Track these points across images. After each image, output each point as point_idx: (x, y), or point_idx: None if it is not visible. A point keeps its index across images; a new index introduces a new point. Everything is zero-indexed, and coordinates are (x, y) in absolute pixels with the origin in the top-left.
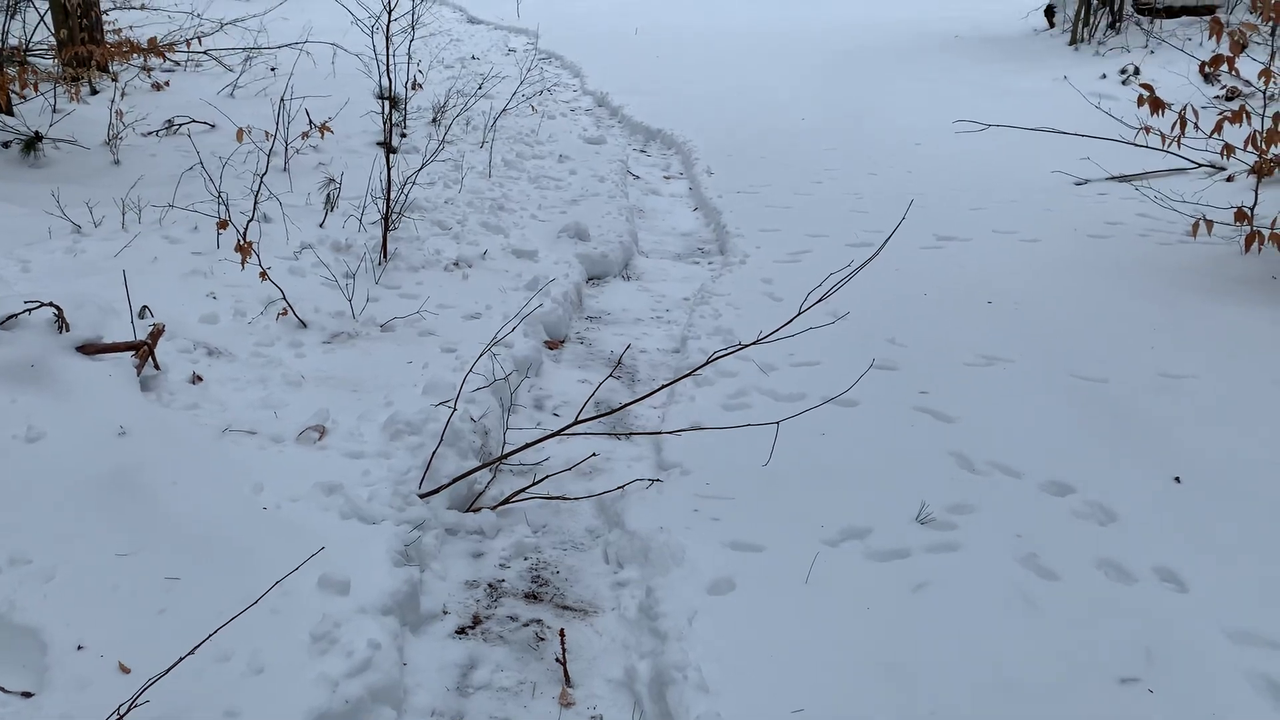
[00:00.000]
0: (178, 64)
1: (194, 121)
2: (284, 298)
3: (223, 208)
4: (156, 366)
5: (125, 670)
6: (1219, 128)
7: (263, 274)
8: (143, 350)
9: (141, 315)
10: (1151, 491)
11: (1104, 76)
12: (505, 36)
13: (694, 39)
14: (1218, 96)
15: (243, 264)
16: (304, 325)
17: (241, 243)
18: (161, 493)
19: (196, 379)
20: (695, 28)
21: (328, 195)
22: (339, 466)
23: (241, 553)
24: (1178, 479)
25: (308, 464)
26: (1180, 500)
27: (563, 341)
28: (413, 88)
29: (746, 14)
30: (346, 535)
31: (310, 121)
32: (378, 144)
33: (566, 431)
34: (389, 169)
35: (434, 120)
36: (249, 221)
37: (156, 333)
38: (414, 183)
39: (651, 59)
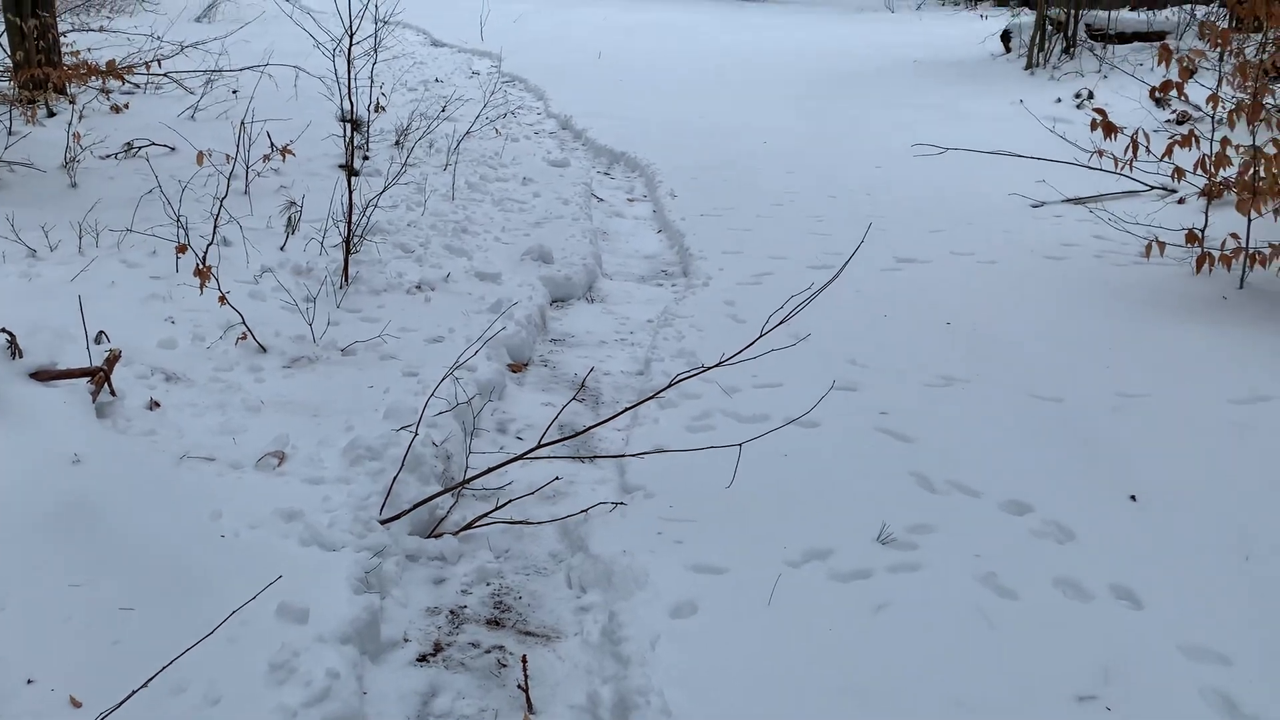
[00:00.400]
0: (138, 86)
1: (153, 144)
2: (243, 322)
3: (182, 231)
4: (113, 393)
5: (76, 704)
6: (1169, 151)
7: (222, 298)
8: (99, 376)
9: (98, 341)
10: (1108, 510)
11: (1059, 100)
12: (469, 60)
13: (657, 64)
14: (1169, 120)
15: (201, 288)
16: (264, 350)
17: (200, 267)
18: (117, 521)
19: (154, 405)
20: (658, 53)
21: (289, 218)
22: (299, 492)
23: (198, 581)
24: (1133, 497)
25: (267, 490)
26: (1136, 518)
27: (526, 364)
28: (376, 110)
29: (709, 40)
30: (306, 562)
31: (272, 144)
32: (340, 166)
33: (530, 455)
34: (350, 192)
35: (397, 143)
36: (208, 245)
37: (113, 359)
38: (376, 205)
39: (615, 83)
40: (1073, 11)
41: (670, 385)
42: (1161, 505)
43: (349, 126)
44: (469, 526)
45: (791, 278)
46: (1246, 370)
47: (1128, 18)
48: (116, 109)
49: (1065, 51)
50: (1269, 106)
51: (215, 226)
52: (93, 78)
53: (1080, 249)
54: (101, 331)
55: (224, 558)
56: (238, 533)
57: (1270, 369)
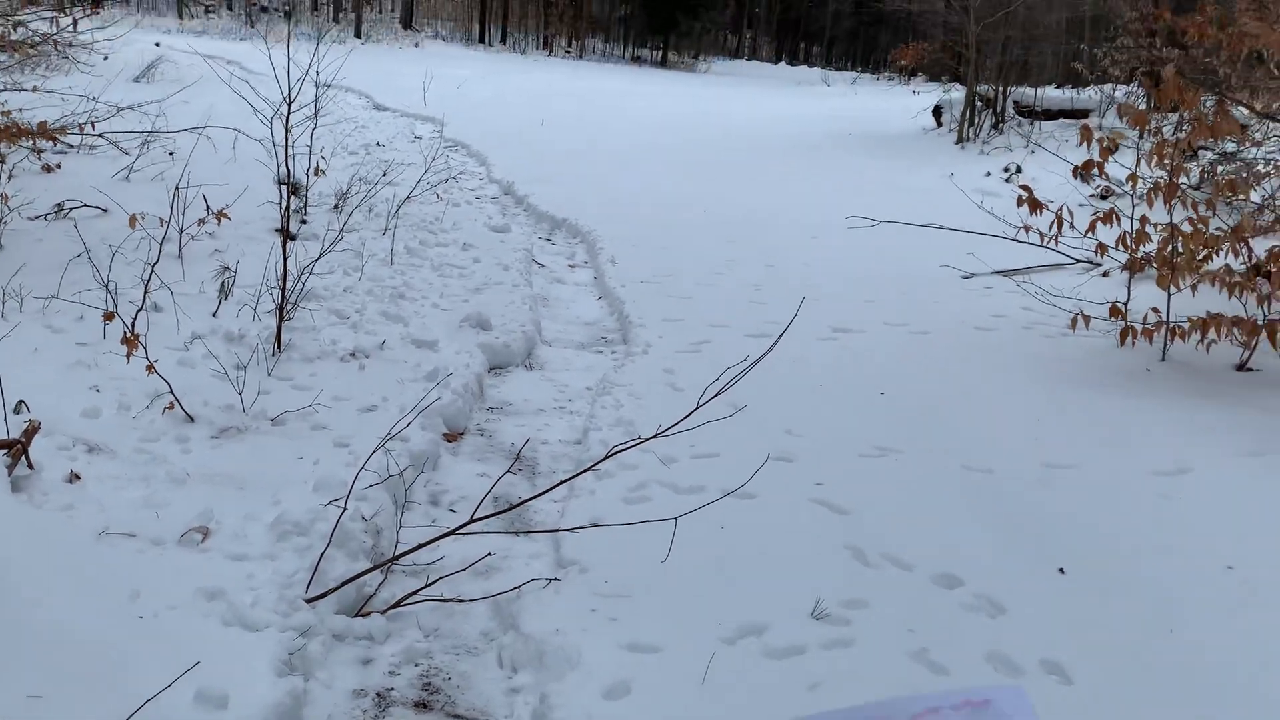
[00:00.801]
0: (71, 146)
1: (85, 205)
2: (171, 391)
3: (109, 298)
4: (30, 465)
5: None
6: (1092, 227)
7: (149, 367)
8: (15, 448)
9: (17, 410)
10: (1037, 583)
11: (988, 174)
12: (411, 124)
13: (600, 130)
14: (1093, 194)
15: (128, 356)
16: (191, 419)
17: (128, 334)
18: (28, 601)
19: (74, 478)
20: (601, 119)
21: (222, 284)
22: (222, 570)
23: (114, 666)
24: (1062, 570)
25: (189, 568)
26: (1065, 591)
27: (462, 433)
28: (315, 174)
29: (652, 109)
30: (227, 644)
31: (208, 207)
32: (277, 230)
33: (462, 530)
34: (285, 258)
35: (336, 207)
36: (137, 312)
37: (31, 430)
38: (312, 272)
39: (558, 149)
40: (1001, 89)
41: (607, 457)
42: (1088, 577)
43: (285, 189)
44: (398, 604)
45: (730, 346)
46: (1169, 442)
47: (1053, 95)
48: (48, 169)
49: (994, 127)
50: (1184, 186)
51: (145, 292)
52: (23, 139)
53: (1009, 320)
54: (21, 401)
55: (141, 640)
56: (157, 613)
57: (1191, 441)
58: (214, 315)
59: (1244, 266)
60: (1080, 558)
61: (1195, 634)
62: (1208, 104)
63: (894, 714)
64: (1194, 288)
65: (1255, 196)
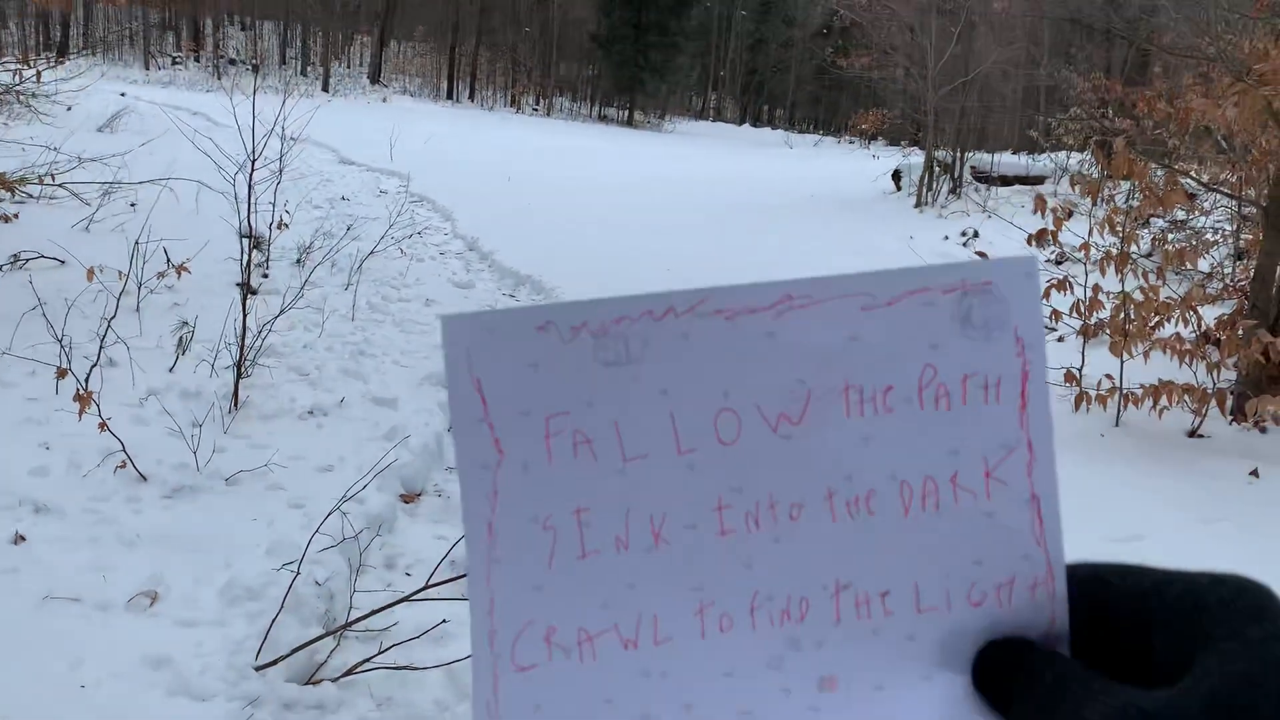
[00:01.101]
0: (32, 196)
1: (42, 257)
2: (124, 449)
3: (63, 353)
4: None
5: None
6: (1047, 294)
7: (102, 424)
8: None
9: None
10: None
11: (946, 238)
12: (377, 179)
13: (566, 187)
14: (1048, 260)
15: (80, 413)
16: (144, 479)
17: (81, 391)
18: None
19: (19, 539)
20: (568, 176)
21: (180, 339)
22: (170, 637)
23: None
24: None
25: (136, 634)
26: None
27: (420, 494)
28: (279, 227)
29: (618, 166)
30: (172, 714)
31: (168, 260)
32: (238, 285)
33: (418, 596)
34: (244, 313)
35: (298, 261)
36: (91, 367)
37: None
38: (271, 327)
39: (524, 205)
40: (958, 154)
41: None
42: None
43: (247, 243)
44: (350, 672)
45: None
46: (1123, 508)
47: (1009, 161)
48: (5, 219)
49: (952, 191)
50: (1135, 255)
51: (101, 347)
52: None
53: None
54: None
55: (82, 711)
56: (100, 682)
57: (1144, 507)
58: (170, 371)
59: (1194, 334)
60: None
61: None
62: (1158, 174)
63: (876, 290)
64: (1146, 354)
65: (1204, 265)
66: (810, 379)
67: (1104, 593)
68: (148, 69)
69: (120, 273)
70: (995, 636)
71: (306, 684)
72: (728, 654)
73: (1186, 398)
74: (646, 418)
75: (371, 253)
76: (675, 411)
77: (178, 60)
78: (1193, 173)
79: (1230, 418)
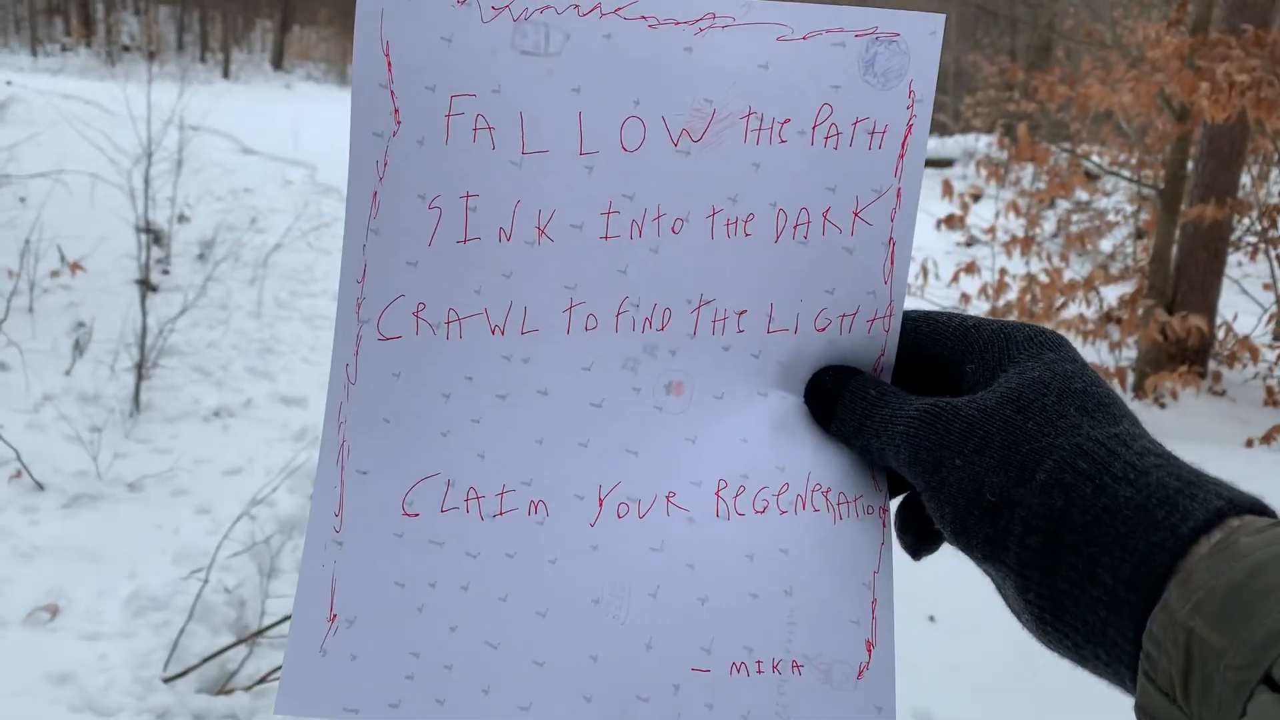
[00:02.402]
0: None
1: None
2: (18, 457)
3: None
4: None
5: None
6: (956, 278)
7: None
8: None
9: None
10: (911, 631)
11: None
12: (282, 169)
13: None
14: (959, 243)
15: None
16: (40, 487)
17: None
18: None
19: None
20: None
21: (76, 340)
22: (72, 651)
23: None
24: (932, 618)
25: (36, 650)
26: (933, 637)
27: None
28: (179, 221)
29: None
30: None
31: (62, 258)
32: (138, 282)
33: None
34: (144, 312)
35: (201, 256)
36: None
37: None
38: (174, 328)
39: None
40: None
41: None
42: (954, 623)
43: (147, 239)
44: (264, 680)
45: None
46: None
47: None
48: None
49: None
50: (1039, 238)
51: None
52: None
53: None
54: None
55: None
56: None
57: None
58: (67, 374)
59: (1097, 314)
60: (948, 609)
61: (1056, 678)
62: (1062, 157)
63: (794, 23)
64: None
65: (1106, 245)
66: (717, 99)
67: (930, 329)
68: (35, 55)
69: (10, 272)
70: (830, 363)
71: (218, 694)
72: (588, 350)
73: None
74: (553, 113)
75: (277, 246)
76: (584, 111)
77: (67, 47)
78: (1094, 155)
79: (1131, 394)
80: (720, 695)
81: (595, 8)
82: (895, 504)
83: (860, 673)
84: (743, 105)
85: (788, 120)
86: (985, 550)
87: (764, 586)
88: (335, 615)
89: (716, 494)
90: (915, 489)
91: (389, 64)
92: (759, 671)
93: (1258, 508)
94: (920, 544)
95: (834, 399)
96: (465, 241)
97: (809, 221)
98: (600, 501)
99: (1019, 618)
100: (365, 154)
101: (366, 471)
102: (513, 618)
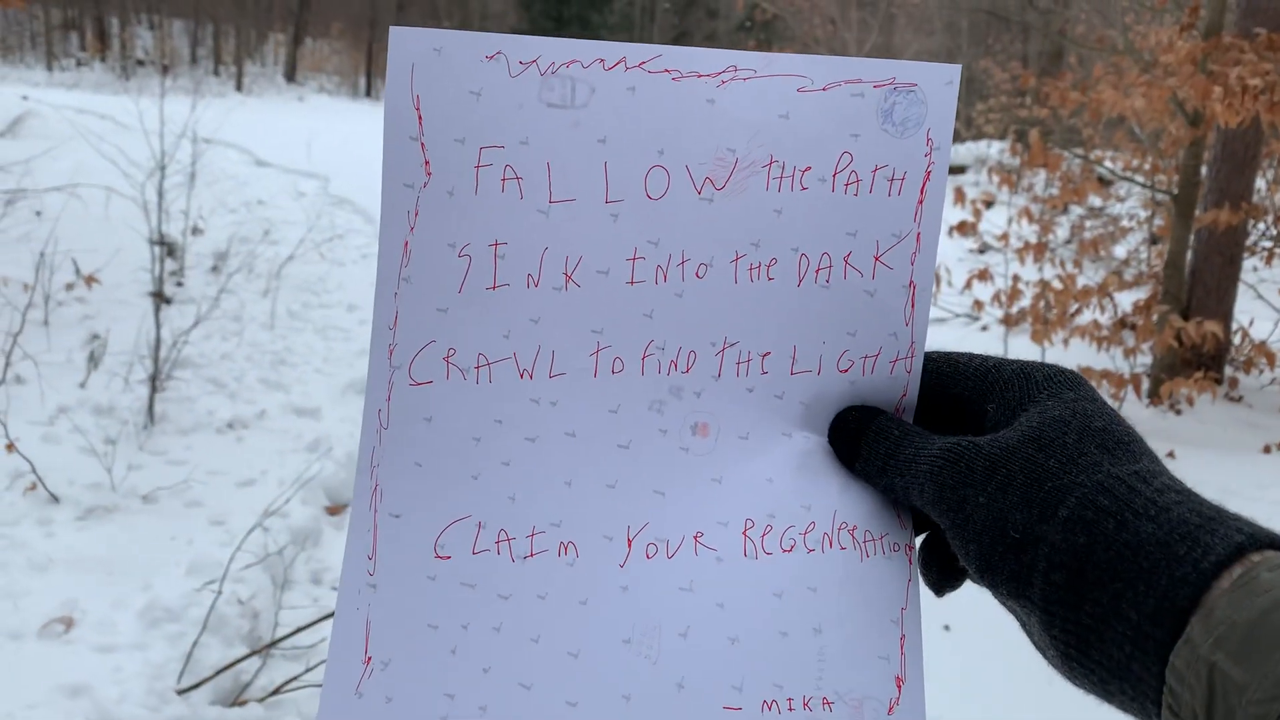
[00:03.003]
0: None
1: None
2: (33, 470)
3: None
4: None
5: None
6: (969, 284)
7: (9, 445)
8: None
9: None
10: (926, 641)
11: None
12: (295, 180)
13: None
14: (971, 250)
15: None
16: (56, 500)
17: None
18: None
19: None
20: None
21: (91, 352)
22: (87, 663)
23: None
24: (947, 627)
25: (50, 662)
26: (948, 645)
27: (345, 506)
28: (193, 233)
29: None
30: None
31: (77, 271)
32: (152, 295)
33: (332, 625)
34: (158, 325)
35: (214, 268)
36: None
37: None
38: (187, 340)
39: None
40: None
41: None
42: (971, 634)
43: (160, 250)
44: (277, 691)
45: None
46: None
47: None
48: None
49: None
50: (1052, 244)
51: (7, 364)
52: None
53: None
54: None
55: None
56: (12, 714)
57: None
58: (82, 386)
59: (1111, 320)
60: (964, 617)
61: (1069, 688)
62: (1074, 163)
63: (814, 74)
64: (1066, 341)
65: (1120, 251)
66: (740, 149)
67: (952, 370)
68: (50, 70)
69: (26, 285)
70: (853, 403)
71: (232, 705)
72: (615, 393)
73: (1105, 382)
74: (580, 163)
75: (290, 258)
76: (610, 161)
77: (82, 61)
78: (1107, 161)
79: (1147, 401)
80: None
81: (620, 61)
82: (918, 542)
83: (891, 708)
84: (764, 154)
85: (809, 168)
86: (1010, 587)
87: (793, 624)
88: (370, 657)
89: (744, 533)
90: (938, 527)
91: (420, 117)
92: (790, 709)
93: (1278, 543)
94: (943, 581)
95: (858, 438)
96: (494, 288)
97: (830, 266)
98: (629, 542)
99: (1044, 654)
100: (397, 204)
101: (399, 515)
102: (545, 659)
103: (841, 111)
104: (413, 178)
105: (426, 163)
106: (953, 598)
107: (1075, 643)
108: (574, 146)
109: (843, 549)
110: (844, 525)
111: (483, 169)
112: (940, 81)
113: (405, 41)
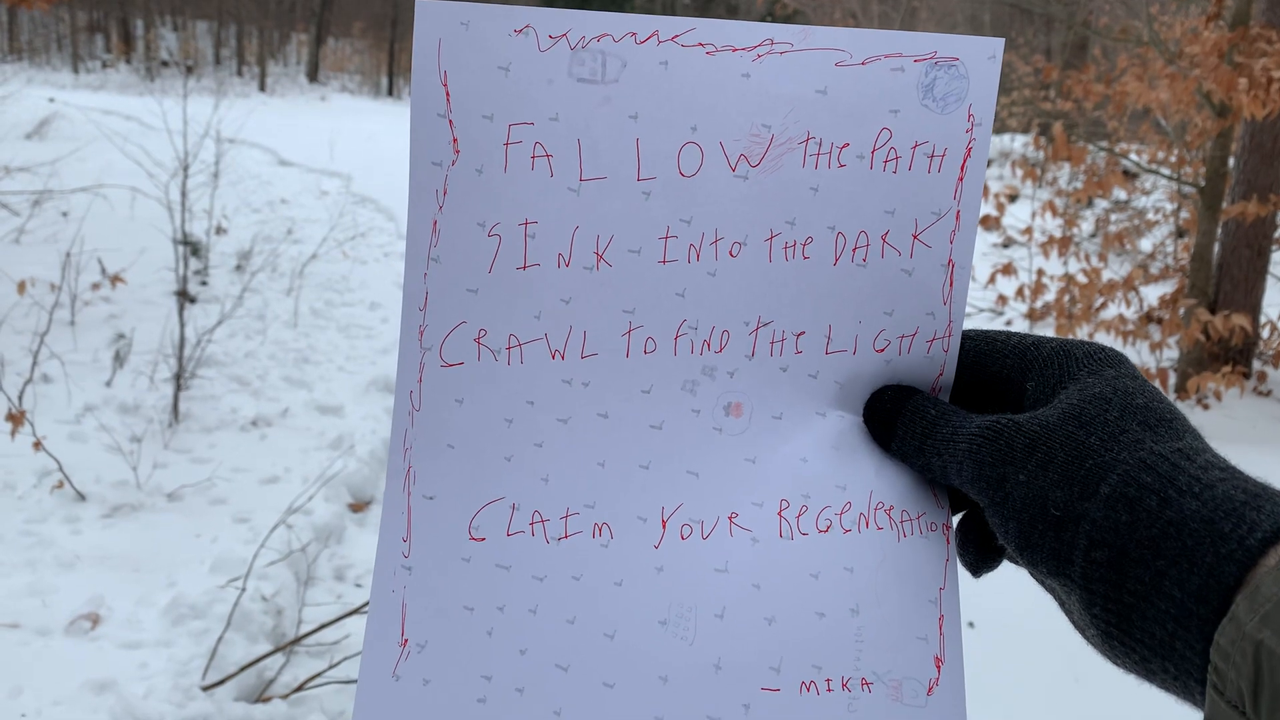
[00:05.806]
0: None
1: None
2: (60, 468)
3: None
4: None
5: None
6: (993, 279)
7: (36, 443)
8: None
9: None
10: None
11: None
12: (318, 180)
13: None
14: (995, 244)
15: (13, 433)
16: (82, 498)
17: (13, 410)
18: None
19: None
20: None
21: (117, 351)
22: (113, 660)
23: None
24: (971, 624)
25: (77, 659)
26: (974, 642)
27: (369, 503)
28: (216, 233)
29: None
30: None
31: (103, 271)
32: (176, 294)
33: (367, 607)
34: (182, 323)
35: (238, 267)
36: (25, 384)
37: None
38: (211, 337)
39: None
40: None
41: None
42: (995, 630)
43: (184, 250)
44: (301, 688)
45: None
46: None
47: None
48: None
49: None
50: (1077, 238)
51: (34, 363)
52: None
53: None
54: None
55: None
56: (41, 710)
57: None
58: (108, 385)
59: (1137, 315)
60: (989, 614)
61: (1098, 685)
62: (1099, 155)
63: (853, 48)
64: (1091, 335)
65: (1145, 244)
66: (775, 125)
67: (990, 348)
68: (76, 72)
69: (53, 285)
70: (889, 383)
71: (256, 702)
72: (648, 373)
73: None
74: (611, 140)
75: (313, 256)
76: (642, 138)
77: (108, 63)
78: (1132, 153)
79: (1174, 395)
80: (791, 714)
81: (652, 35)
82: (955, 521)
83: (930, 689)
84: (801, 130)
85: (846, 144)
86: (1050, 565)
87: (830, 605)
88: (406, 640)
89: (779, 514)
90: (974, 506)
91: (447, 93)
92: (829, 690)
93: None
94: (981, 561)
95: (893, 418)
96: (525, 268)
97: (868, 244)
98: (663, 523)
99: (1083, 634)
100: (425, 183)
101: (433, 497)
102: (581, 640)
103: (881, 86)
104: (440, 155)
105: (454, 140)
106: (977, 594)
107: (1116, 621)
108: (605, 123)
109: (879, 529)
110: (880, 505)
111: (512, 146)
112: (983, 56)
113: (432, 15)
